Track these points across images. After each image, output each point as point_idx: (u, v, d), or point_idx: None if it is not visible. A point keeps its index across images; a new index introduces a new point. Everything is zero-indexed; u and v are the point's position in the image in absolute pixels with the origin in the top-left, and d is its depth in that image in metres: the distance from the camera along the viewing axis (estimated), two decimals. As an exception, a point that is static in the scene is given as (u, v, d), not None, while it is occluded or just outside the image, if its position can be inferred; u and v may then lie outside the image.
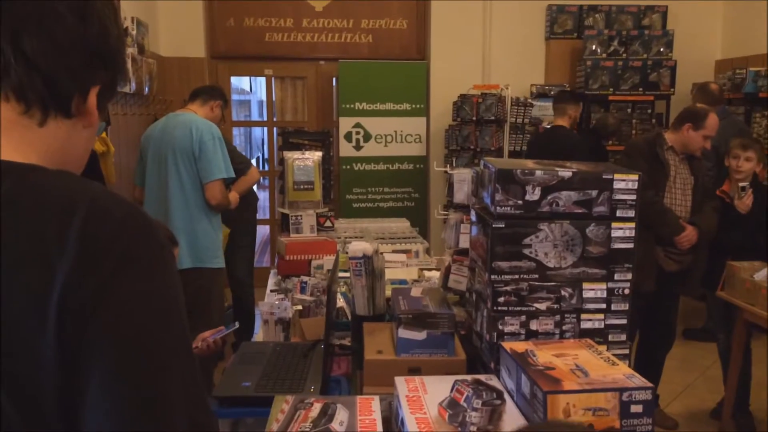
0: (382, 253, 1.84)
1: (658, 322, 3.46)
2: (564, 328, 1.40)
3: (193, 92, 3.73)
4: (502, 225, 1.36)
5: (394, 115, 5.88)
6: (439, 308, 1.53)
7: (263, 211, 6.35)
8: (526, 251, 1.35)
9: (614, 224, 1.36)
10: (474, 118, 5.31)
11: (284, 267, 3.12)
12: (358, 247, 1.76)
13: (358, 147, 5.86)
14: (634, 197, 1.35)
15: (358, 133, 5.86)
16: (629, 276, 1.36)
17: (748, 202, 3.23)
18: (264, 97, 9.17)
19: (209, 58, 5.77)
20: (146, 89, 4.60)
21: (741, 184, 3.27)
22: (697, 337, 4.66)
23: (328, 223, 3.75)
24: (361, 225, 4.34)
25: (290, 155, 3.75)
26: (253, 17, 5.80)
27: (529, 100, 5.45)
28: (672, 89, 5.54)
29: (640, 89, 5.54)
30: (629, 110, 5.66)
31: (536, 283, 1.38)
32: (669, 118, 5.69)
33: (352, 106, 5.80)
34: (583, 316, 1.39)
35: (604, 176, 1.35)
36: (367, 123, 5.85)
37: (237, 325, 2.72)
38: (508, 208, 1.36)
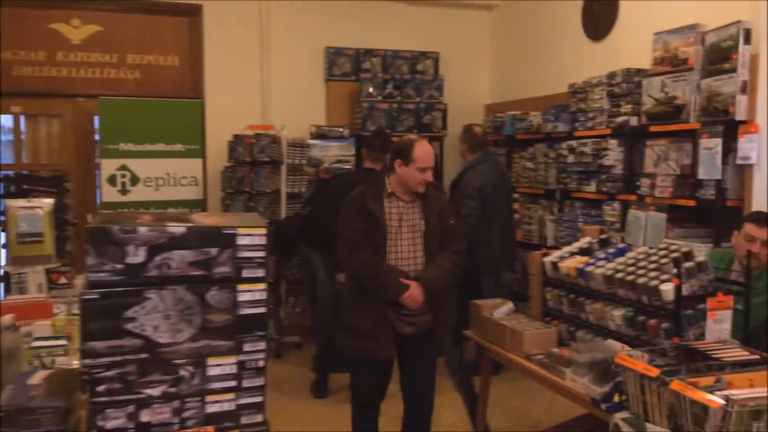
0: (18, 328, 1.51)
1: (415, 394, 3.11)
2: (185, 415, 1.17)
3: None
4: (95, 296, 1.11)
5: (167, 156, 5.46)
6: (51, 398, 1.24)
7: None
8: (129, 326, 1.11)
9: (240, 287, 1.17)
10: (248, 159, 5.08)
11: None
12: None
13: (124, 191, 5.35)
14: (263, 254, 1.18)
15: (123, 176, 5.36)
16: (262, 346, 1.17)
17: None
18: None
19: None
20: None
21: None
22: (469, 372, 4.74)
23: (63, 280, 3.29)
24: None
25: (13, 203, 3.27)
26: (-2, 48, 5.16)
27: (307, 141, 5.35)
28: (444, 131, 5.74)
29: (415, 131, 5.67)
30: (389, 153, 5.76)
31: (146, 364, 1.14)
32: (443, 158, 5.89)
33: (116, 146, 5.31)
34: (209, 398, 1.17)
35: (224, 231, 1.16)
36: (135, 165, 5.36)
37: None
38: (105, 274, 1.11)
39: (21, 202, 3.36)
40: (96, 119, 5.42)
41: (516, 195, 5.25)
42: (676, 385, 1.91)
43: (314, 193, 4.79)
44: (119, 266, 1.07)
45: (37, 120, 5.40)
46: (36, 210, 3.36)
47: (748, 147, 3.29)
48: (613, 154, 4.14)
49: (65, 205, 4.83)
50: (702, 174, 3.51)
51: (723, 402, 1.75)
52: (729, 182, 3.44)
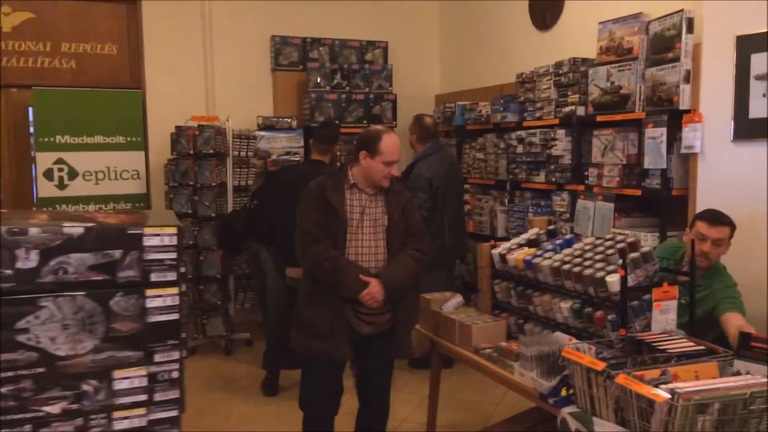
0: None
1: (371, 395, 2.99)
2: (92, 433, 1.07)
3: None
4: (-16, 305, 1.00)
5: (106, 149, 5.24)
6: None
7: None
8: (22, 338, 1.00)
9: (149, 292, 1.06)
10: (192, 152, 4.91)
11: None
12: None
13: (62, 186, 5.12)
14: (174, 256, 1.08)
15: (61, 170, 5.13)
16: (176, 355, 1.07)
17: None
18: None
19: None
20: None
21: None
22: (422, 365, 4.68)
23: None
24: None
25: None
26: None
27: (253, 133, 5.20)
28: (394, 122, 5.66)
29: (365, 122, 5.58)
30: (355, 142, 5.67)
31: (44, 379, 1.03)
32: (394, 150, 5.80)
33: (51, 139, 5.07)
34: (117, 414, 1.07)
35: (129, 231, 1.05)
36: (72, 158, 5.14)
37: None
38: (-5, 282, 1.00)
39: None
40: (31, 111, 5.19)
41: (467, 186, 5.21)
42: (621, 379, 1.88)
43: (261, 186, 4.64)
44: (8, 272, 0.96)
45: (-34, 112, 5.13)
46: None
47: (692, 136, 3.30)
48: (561, 144, 4.12)
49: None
50: (647, 163, 3.52)
51: (668, 396, 1.72)
52: (674, 171, 3.45)
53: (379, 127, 2.89)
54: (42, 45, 5.16)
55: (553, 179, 4.23)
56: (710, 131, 3.26)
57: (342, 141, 5.47)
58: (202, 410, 3.96)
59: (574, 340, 2.43)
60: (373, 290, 2.70)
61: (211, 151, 4.91)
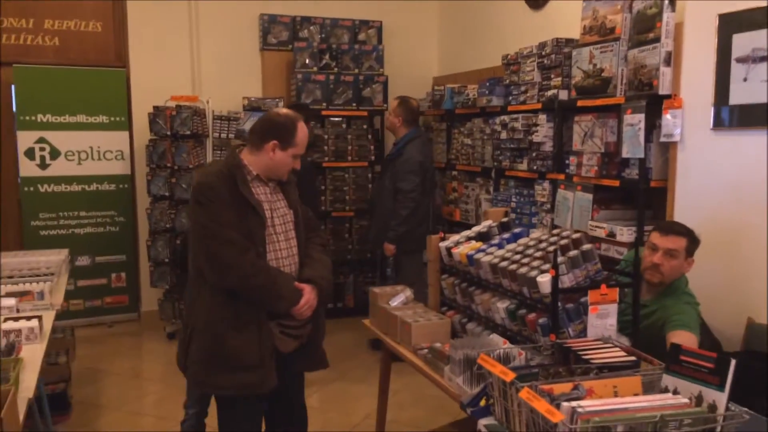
0: None
1: (291, 420, 2.64)
2: None
3: None
4: None
5: (89, 128, 5.16)
6: None
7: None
8: None
9: None
10: (168, 133, 4.80)
11: None
12: None
13: (43, 165, 5.06)
14: None
15: (42, 149, 5.06)
16: None
17: None
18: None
19: None
20: None
21: None
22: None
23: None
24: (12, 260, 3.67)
25: None
26: None
27: (235, 114, 5.06)
28: (385, 105, 5.42)
29: (354, 104, 5.39)
30: (344, 126, 5.50)
31: None
32: (384, 133, 5.62)
33: (33, 118, 5.00)
34: None
35: None
36: (54, 138, 5.07)
37: None
38: None
39: None
40: (13, 88, 5.13)
41: (455, 173, 5.01)
42: (524, 393, 1.68)
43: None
44: None
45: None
46: None
47: (671, 123, 3.03)
48: (543, 131, 3.87)
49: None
50: (625, 152, 3.26)
51: (565, 416, 1.53)
52: (653, 161, 3.19)
53: (286, 111, 2.46)
54: (24, 22, 5.07)
55: (535, 167, 3.99)
56: (691, 118, 3.00)
57: (331, 123, 5.37)
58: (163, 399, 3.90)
59: (508, 344, 2.25)
60: (309, 298, 2.36)
61: (188, 132, 4.79)
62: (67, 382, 3.68)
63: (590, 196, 3.55)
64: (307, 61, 5.33)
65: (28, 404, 1.93)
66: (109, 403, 3.88)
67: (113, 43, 5.34)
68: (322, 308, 2.50)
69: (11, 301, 2.95)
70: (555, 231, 2.40)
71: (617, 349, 2.00)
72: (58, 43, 5.20)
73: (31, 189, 5.06)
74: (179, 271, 4.71)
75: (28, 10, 5.09)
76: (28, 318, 2.61)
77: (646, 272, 2.51)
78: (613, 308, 2.11)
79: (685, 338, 2.25)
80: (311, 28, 5.56)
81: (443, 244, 2.73)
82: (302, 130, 2.39)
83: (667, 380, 1.81)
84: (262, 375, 2.29)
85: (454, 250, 2.64)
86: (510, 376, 1.85)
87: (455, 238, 2.74)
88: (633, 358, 1.90)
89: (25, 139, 4.99)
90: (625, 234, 3.28)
